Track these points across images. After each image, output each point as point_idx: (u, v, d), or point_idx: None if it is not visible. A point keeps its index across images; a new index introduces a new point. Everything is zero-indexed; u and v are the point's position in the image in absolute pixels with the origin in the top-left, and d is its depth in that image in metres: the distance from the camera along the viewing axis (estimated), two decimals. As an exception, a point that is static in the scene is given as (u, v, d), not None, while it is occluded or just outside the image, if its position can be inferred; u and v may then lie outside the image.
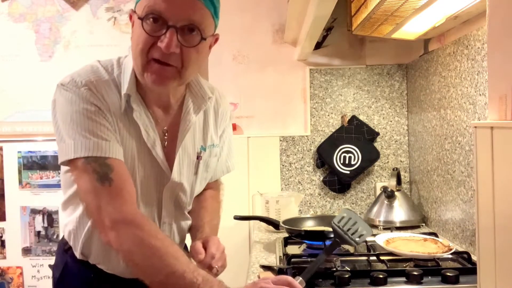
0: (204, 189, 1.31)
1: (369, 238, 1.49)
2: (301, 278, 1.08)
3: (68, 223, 1.17)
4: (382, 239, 1.51)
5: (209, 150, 1.23)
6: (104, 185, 0.99)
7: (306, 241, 1.63)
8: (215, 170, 1.32)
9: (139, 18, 1.00)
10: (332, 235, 1.54)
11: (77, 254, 1.15)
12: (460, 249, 1.51)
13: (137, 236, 0.97)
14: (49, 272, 2.24)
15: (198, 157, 1.20)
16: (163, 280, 0.95)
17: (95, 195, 0.99)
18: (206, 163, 1.24)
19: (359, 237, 1.25)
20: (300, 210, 2.16)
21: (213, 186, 1.36)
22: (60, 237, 1.25)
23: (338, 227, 1.26)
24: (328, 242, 1.55)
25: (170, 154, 1.14)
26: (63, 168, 1.14)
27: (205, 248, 1.14)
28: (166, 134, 1.15)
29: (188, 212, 1.25)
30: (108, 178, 0.99)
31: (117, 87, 1.08)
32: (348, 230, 1.25)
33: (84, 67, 1.09)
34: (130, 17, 1.08)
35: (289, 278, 1.00)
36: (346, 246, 1.52)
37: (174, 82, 1.05)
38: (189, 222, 1.26)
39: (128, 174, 1.05)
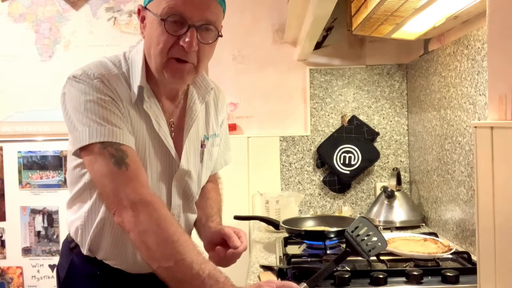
0: (205, 183, 1.34)
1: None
2: (305, 284, 1.05)
3: (75, 220, 1.17)
4: (382, 239, 1.51)
5: (211, 139, 1.27)
6: (121, 169, 0.99)
7: (306, 241, 1.63)
8: (215, 164, 1.35)
9: (161, 19, 1.02)
10: (332, 235, 1.56)
11: (85, 251, 1.15)
12: (460, 249, 1.51)
13: (154, 218, 0.97)
14: (50, 272, 2.27)
15: (202, 146, 1.24)
16: (172, 267, 0.94)
17: (112, 178, 0.99)
18: (209, 152, 1.27)
19: (372, 249, 1.20)
20: (300, 210, 2.16)
21: (212, 179, 1.40)
22: (62, 237, 1.25)
23: (351, 236, 1.21)
24: (328, 243, 1.55)
25: (177, 143, 1.17)
26: (71, 164, 1.15)
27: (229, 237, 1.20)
28: (173, 125, 1.18)
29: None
30: (125, 162, 1.00)
31: (127, 80, 1.10)
32: (362, 240, 1.20)
33: (93, 62, 1.11)
34: (139, 12, 1.10)
35: (293, 284, 0.99)
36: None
37: (191, 76, 1.10)
38: (195, 216, 1.28)
39: (141, 163, 1.06)
